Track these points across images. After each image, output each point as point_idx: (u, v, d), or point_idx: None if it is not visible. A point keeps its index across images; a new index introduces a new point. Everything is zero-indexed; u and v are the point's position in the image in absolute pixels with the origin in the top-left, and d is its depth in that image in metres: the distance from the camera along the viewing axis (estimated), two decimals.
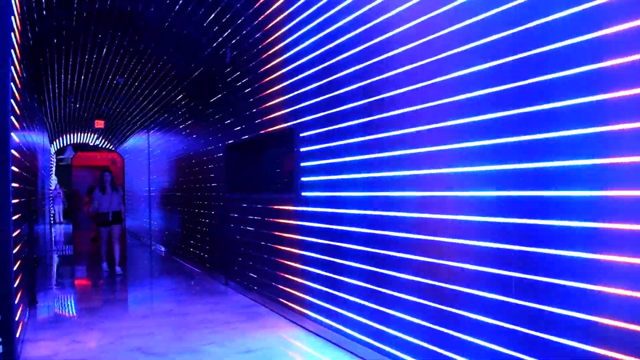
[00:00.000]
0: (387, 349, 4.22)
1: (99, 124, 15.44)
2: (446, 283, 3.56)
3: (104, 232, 9.95)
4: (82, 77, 11.72)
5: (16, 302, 4.74)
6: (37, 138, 10.07)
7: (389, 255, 4.21)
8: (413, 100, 3.89)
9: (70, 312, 6.84)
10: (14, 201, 4.69)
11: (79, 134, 21.69)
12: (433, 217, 3.72)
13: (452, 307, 3.50)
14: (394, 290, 4.14)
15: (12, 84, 4.81)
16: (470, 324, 3.33)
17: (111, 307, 7.09)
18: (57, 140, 22.25)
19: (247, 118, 7.31)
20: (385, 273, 4.25)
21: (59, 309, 7.09)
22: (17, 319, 4.72)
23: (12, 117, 4.79)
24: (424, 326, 3.78)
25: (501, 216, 3.13)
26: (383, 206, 4.29)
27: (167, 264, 11.23)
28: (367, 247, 4.52)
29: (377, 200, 4.37)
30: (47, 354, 5.01)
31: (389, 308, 4.20)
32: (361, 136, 4.59)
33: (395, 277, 4.12)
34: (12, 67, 4.83)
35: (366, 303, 4.52)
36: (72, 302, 7.50)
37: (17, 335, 4.74)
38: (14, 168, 4.76)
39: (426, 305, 3.76)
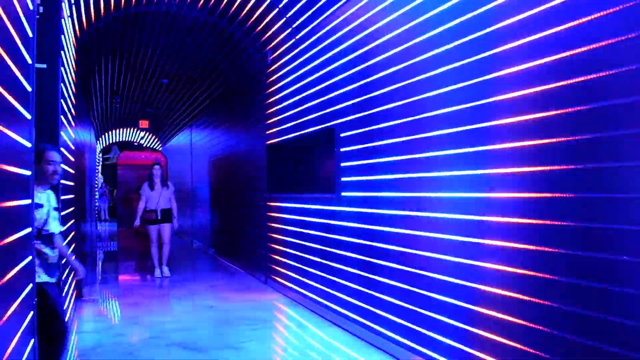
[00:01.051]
0: (422, 349, 4.17)
1: (144, 124, 15.80)
2: (481, 284, 3.50)
3: (152, 231, 9.17)
4: (128, 79, 12.03)
5: (64, 295, 4.89)
6: (85, 137, 10.36)
7: (424, 256, 4.17)
8: (451, 101, 3.85)
9: (114, 306, 7.02)
10: (62, 197, 4.84)
11: (124, 133, 22.25)
12: (473, 219, 3.66)
13: (487, 309, 3.44)
14: (429, 291, 4.09)
15: (62, 84, 4.98)
16: (501, 324, 3.27)
17: (153, 302, 7.23)
18: (103, 139, 22.85)
19: (288, 118, 7.36)
20: (419, 273, 4.20)
21: (103, 303, 7.29)
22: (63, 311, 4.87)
23: (62, 117, 4.95)
24: (459, 327, 3.72)
25: (549, 219, 3.06)
26: (422, 207, 4.25)
27: (208, 262, 11.39)
28: (403, 247, 4.49)
29: (416, 200, 4.33)
30: (92, 345, 5.15)
31: (425, 309, 4.15)
32: (400, 136, 4.56)
33: (429, 277, 4.07)
34: (62, 68, 5.00)
35: (401, 303, 4.48)
36: (116, 296, 7.68)
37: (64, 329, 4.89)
38: (62, 166, 4.91)
39: (462, 307, 3.70)
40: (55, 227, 3.71)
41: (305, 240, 6.69)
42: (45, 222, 3.59)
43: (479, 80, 3.60)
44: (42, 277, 3.54)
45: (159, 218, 9.14)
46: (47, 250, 3.59)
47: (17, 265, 2.49)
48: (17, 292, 2.50)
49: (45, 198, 3.63)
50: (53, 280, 3.67)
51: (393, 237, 4.67)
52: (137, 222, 9.26)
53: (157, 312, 6.63)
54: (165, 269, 9.17)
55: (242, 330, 5.56)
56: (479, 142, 3.60)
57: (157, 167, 9.17)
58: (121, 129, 21.70)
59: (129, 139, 23.40)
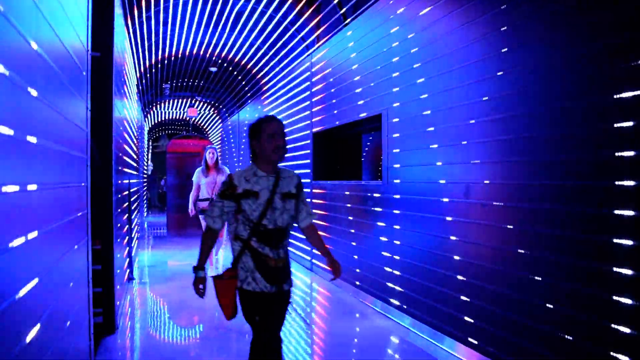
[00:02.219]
0: (473, 340, 4.12)
1: (192, 112, 16.07)
2: (535, 275, 3.41)
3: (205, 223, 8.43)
4: (177, 65, 12.24)
5: (116, 277, 5.05)
6: (136, 126, 10.62)
7: (476, 244, 4.10)
8: (504, 87, 3.75)
9: (164, 289, 7.19)
10: (119, 178, 4.98)
11: (174, 122, 22.69)
12: (518, 206, 3.57)
13: (542, 300, 3.35)
14: (482, 282, 4.02)
15: (115, 71, 5.10)
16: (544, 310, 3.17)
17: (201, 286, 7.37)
18: (152, 127, 23.36)
19: (335, 105, 7.34)
20: (472, 262, 4.14)
21: (153, 285, 7.48)
22: (116, 292, 5.04)
23: (115, 104, 5.08)
24: (518, 322, 3.65)
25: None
26: (475, 193, 4.17)
27: None
28: (453, 235, 4.43)
29: (467, 187, 4.26)
30: (142, 325, 5.30)
31: (473, 299, 4.09)
32: (453, 122, 4.48)
33: (482, 265, 4.01)
34: (115, 56, 5.11)
35: (450, 292, 4.43)
36: (165, 280, 7.88)
37: (116, 307, 5.05)
38: (119, 153, 5.04)
39: (505, 294, 3.63)
40: (285, 220, 2.98)
41: (353, 228, 6.68)
42: (265, 214, 2.88)
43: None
44: (253, 284, 2.95)
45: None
46: (267, 251, 2.92)
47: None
48: None
49: (265, 182, 2.94)
50: (269, 289, 2.96)
51: (447, 226, 4.61)
52: (192, 211, 8.15)
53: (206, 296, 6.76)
54: (221, 267, 8.10)
55: (292, 318, 5.61)
56: (529, 130, 3.51)
57: (210, 150, 8.11)
58: (172, 120, 22.13)
59: (179, 126, 23.84)
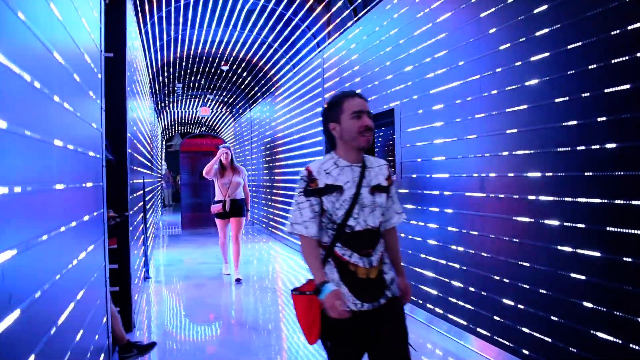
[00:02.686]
0: (497, 338, 4.11)
1: (205, 110, 16.14)
2: (551, 267, 3.39)
3: (220, 226, 7.69)
4: (189, 65, 12.30)
5: (132, 276, 5.10)
6: (150, 125, 10.70)
7: (483, 236, 4.08)
8: (513, 80, 3.72)
9: (179, 288, 7.24)
10: (133, 180, 5.03)
11: (187, 121, 22.81)
12: (534, 199, 3.54)
13: (557, 292, 3.33)
14: (492, 274, 4.01)
15: (128, 71, 5.14)
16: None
17: (216, 284, 7.41)
18: (165, 126, 23.51)
19: None
20: (482, 255, 4.12)
21: (170, 283, 7.53)
22: (133, 291, 5.09)
23: (129, 103, 5.12)
24: (523, 309, 3.63)
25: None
26: (490, 189, 4.15)
27: (267, 245, 11.57)
28: (467, 230, 4.41)
29: (481, 181, 4.24)
30: (159, 324, 5.35)
31: (491, 293, 4.07)
32: (461, 117, 4.46)
33: (487, 257, 3.99)
34: (128, 56, 5.15)
35: (461, 285, 4.41)
36: (180, 278, 7.93)
37: (133, 306, 5.10)
38: (129, 150, 5.09)
39: (522, 287, 3.61)
40: (376, 219, 2.40)
41: None
42: (351, 212, 2.34)
43: (556, 52, 3.47)
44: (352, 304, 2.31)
45: (227, 210, 7.52)
46: (356, 259, 2.33)
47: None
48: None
49: (350, 174, 2.40)
50: (360, 307, 2.33)
51: (459, 221, 4.59)
52: (214, 209, 7.59)
53: (221, 294, 6.80)
54: (237, 274, 7.42)
55: None
56: (542, 121, 3.48)
57: (224, 147, 7.50)
58: (184, 120, 22.26)
59: (191, 125, 23.96)
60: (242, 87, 13.81)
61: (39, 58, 1.63)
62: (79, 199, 2.32)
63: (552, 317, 3.44)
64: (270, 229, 12.95)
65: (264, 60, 10.99)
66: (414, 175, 5.34)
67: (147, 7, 7.43)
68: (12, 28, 1.38)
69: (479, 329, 4.27)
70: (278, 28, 9.25)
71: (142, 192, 7.19)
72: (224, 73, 12.83)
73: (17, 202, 1.42)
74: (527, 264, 3.69)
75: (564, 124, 3.34)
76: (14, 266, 1.38)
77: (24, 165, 1.49)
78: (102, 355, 3.10)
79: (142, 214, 7.03)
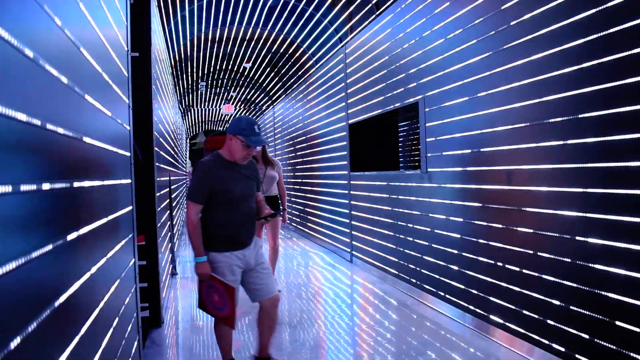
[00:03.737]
0: (512, 325, 4.06)
1: (228, 108, 16.25)
2: (579, 260, 3.33)
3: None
4: (213, 63, 12.39)
5: (160, 272, 5.17)
6: (174, 123, 10.81)
7: (513, 230, 4.04)
8: (542, 69, 3.66)
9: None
10: (159, 179, 5.08)
11: (210, 119, 22.97)
12: (565, 190, 3.49)
13: (593, 287, 3.28)
14: (520, 267, 3.96)
15: (153, 70, 5.20)
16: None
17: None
18: (189, 124, 23.71)
19: (370, 96, 7.31)
20: (513, 249, 4.07)
21: (195, 279, 7.61)
22: (161, 287, 5.15)
23: (154, 102, 5.18)
24: (552, 303, 3.58)
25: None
26: (517, 182, 4.10)
27: (291, 241, 11.62)
28: (491, 222, 4.36)
29: (508, 174, 4.19)
30: (187, 319, 5.41)
31: (523, 288, 4.03)
32: (488, 108, 4.41)
33: (520, 252, 3.94)
34: (153, 56, 5.21)
35: (494, 281, 4.37)
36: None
37: (162, 301, 5.17)
38: (156, 148, 5.14)
39: (553, 281, 3.56)
40: None
41: (391, 218, 6.66)
42: None
43: (574, 45, 3.41)
44: None
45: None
46: None
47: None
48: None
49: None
50: None
51: (484, 213, 4.55)
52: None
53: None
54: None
55: (332, 308, 5.64)
56: (569, 112, 3.42)
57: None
58: (208, 118, 22.42)
59: (214, 123, 24.13)
60: (265, 84, 13.86)
61: (71, 58, 1.66)
62: (110, 196, 2.36)
63: (587, 312, 3.40)
64: (294, 224, 13.00)
65: (286, 56, 11.01)
66: (436, 169, 5.30)
67: (170, 6, 7.50)
68: (47, 29, 1.41)
69: (511, 325, 4.23)
70: (300, 24, 9.25)
71: (168, 189, 7.28)
72: (247, 70, 12.89)
73: (50, 198, 1.45)
74: (562, 258, 3.64)
75: (583, 115, 3.28)
76: (49, 262, 1.41)
77: (57, 162, 1.52)
78: (133, 350, 3.15)
79: (168, 211, 7.12)
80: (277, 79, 12.81)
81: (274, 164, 6.52)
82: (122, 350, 2.63)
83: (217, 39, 10.33)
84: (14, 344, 1.10)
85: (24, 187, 1.20)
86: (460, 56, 4.84)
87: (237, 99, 16.82)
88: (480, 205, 4.58)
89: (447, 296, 5.19)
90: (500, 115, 4.25)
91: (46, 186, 1.38)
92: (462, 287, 4.91)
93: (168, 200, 7.17)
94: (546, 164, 3.73)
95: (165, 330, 5.02)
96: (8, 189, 1.10)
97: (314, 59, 10.24)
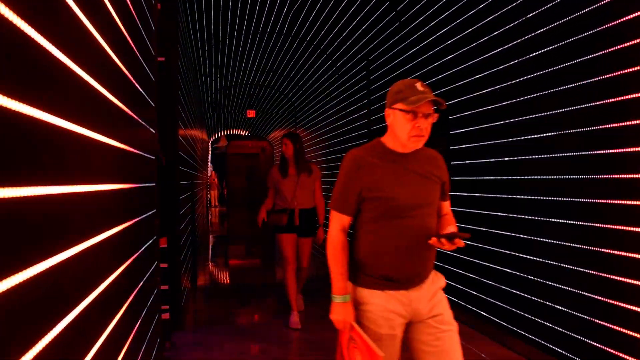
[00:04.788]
0: (533, 337, 4.00)
1: (251, 113, 16.33)
2: (595, 270, 3.27)
3: (285, 244, 5.33)
4: (236, 71, 12.48)
5: (182, 275, 5.20)
6: (198, 128, 10.91)
7: (531, 240, 3.99)
8: (564, 80, 3.62)
9: (226, 287, 7.35)
10: (182, 181, 5.13)
11: (232, 124, 23.15)
12: (586, 201, 3.44)
13: (601, 295, 3.22)
14: (550, 281, 3.91)
15: (179, 92, 5.26)
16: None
17: (263, 284, 7.49)
18: (213, 129, 23.91)
19: None
20: (532, 259, 4.02)
21: (217, 283, 7.66)
22: (182, 290, 5.19)
23: (179, 106, 5.24)
24: (575, 315, 3.52)
25: None
26: (540, 192, 4.05)
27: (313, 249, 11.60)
28: (513, 233, 4.32)
29: (530, 184, 4.14)
30: (207, 322, 5.44)
31: (529, 294, 3.98)
32: (509, 118, 4.37)
33: (533, 260, 3.89)
34: (179, 76, 5.27)
35: (512, 290, 4.32)
36: (227, 278, 8.05)
37: (182, 304, 5.21)
38: (181, 152, 5.19)
39: (571, 291, 3.50)
40: None
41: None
42: None
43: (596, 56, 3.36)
44: None
45: (297, 224, 5.32)
46: None
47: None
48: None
49: None
50: None
51: (507, 223, 4.51)
52: (262, 220, 5.52)
53: (268, 294, 6.86)
54: (299, 299, 5.76)
55: None
56: (591, 123, 3.37)
57: (289, 140, 5.32)
58: (231, 123, 22.59)
59: (237, 128, 24.30)
60: (286, 91, 13.93)
61: (102, 63, 1.69)
62: (137, 199, 2.39)
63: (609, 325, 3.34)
64: None
65: (308, 63, 11.05)
66: (463, 178, 5.27)
67: (196, 11, 7.59)
68: (81, 37, 1.44)
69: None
70: (322, 33, 9.28)
71: (190, 192, 7.34)
72: (268, 80, 12.99)
73: (79, 201, 1.47)
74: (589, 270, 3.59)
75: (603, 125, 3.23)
76: (75, 264, 1.43)
77: (86, 165, 1.55)
78: (155, 352, 3.17)
79: (190, 215, 7.18)
80: (300, 84, 12.86)
81: (310, 169, 5.34)
82: (144, 352, 2.65)
83: (241, 45, 10.41)
84: (42, 344, 1.11)
85: (57, 190, 1.22)
86: (482, 65, 4.82)
87: (260, 105, 16.92)
88: (505, 215, 4.54)
89: (469, 305, 5.14)
90: (516, 125, 4.21)
91: (77, 188, 1.41)
92: (475, 293, 4.86)
93: (190, 204, 7.23)
94: (564, 174, 3.68)
95: (186, 333, 5.05)
96: (45, 190, 1.12)
97: (337, 65, 10.25)
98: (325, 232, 4.42)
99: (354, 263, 2.34)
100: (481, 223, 4.90)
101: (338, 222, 2.33)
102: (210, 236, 14.19)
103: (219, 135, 27.66)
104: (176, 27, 5.08)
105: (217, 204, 26.30)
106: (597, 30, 3.43)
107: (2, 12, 0.86)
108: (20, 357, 0.96)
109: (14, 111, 0.93)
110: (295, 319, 5.24)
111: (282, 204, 5.36)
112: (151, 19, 3.15)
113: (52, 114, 1.16)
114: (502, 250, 4.55)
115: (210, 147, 27.53)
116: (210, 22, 8.64)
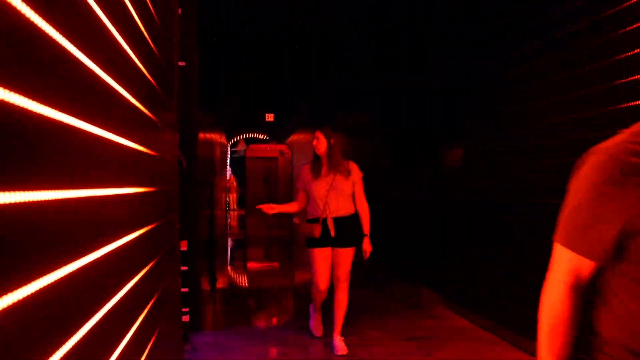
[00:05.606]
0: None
1: (269, 117, 16.40)
2: None
3: (317, 260, 4.49)
4: (253, 72, 12.54)
5: (201, 278, 5.24)
6: (216, 131, 10.98)
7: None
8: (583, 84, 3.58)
9: (245, 290, 7.38)
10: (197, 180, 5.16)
11: (250, 127, 23.25)
12: None
13: None
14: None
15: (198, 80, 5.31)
16: None
17: (281, 288, 7.52)
18: (231, 133, 24.04)
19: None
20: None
21: (235, 286, 7.70)
22: (202, 292, 5.23)
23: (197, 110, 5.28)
24: None
25: None
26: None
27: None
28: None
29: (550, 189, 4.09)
30: (227, 325, 5.47)
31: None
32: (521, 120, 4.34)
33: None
34: (199, 80, 5.31)
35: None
36: (246, 281, 8.08)
37: (201, 306, 5.24)
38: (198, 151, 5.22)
39: None
40: None
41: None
42: None
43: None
44: None
45: (333, 236, 4.42)
46: None
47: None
48: None
49: None
50: None
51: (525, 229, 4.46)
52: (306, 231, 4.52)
53: (286, 297, 6.88)
54: (339, 341, 4.50)
55: (365, 320, 5.62)
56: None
57: (322, 133, 4.45)
58: (248, 127, 22.69)
59: (255, 132, 24.41)
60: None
61: (126, 69, 1.72)
62: (158, 202, 2.41)
63: None
64: None
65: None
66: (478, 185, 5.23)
67: (215, 14, 7.65)
68: (108, 44, 1.46)
69: None
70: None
71: (209, 195, 7.39)
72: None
73: (103, 204, 1.50)
74: None
75: None
76: (97, 267, 1.45)
77: (109, 168, 1.57)
78: (175, 354, 3.20)
79: (209, 218, 7.23)
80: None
81: (347, 168, 4.43)
82: (165, 354, 2.68)
83: (259, 51, 10.47)
84: (70, 345, 1.13)
85: (82, 193, 1.25)
86: (499, 67, 4.79)
87: (278, 108, 16.96)
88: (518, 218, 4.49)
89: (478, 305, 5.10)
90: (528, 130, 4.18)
91: (101, 192, 1.43)
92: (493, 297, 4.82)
93: (209, 207, 7.28)
94: None
95: (205, 335, 5.08)
96: (74, 194, 1.15)
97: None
98: (376, 245, 4.34)
99: (594, 344, 1.30)
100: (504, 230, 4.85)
101: (568, 268, 1.29)
102: (229, 239, 14.26)
103: (238, 138, 27.79)
104: (197, 31, 5.13)
105: (235, 207, 26.43)
106: None
107: (41, 27, 0.88)
108: (53, 353, 0.98)
109: (69, 125, 0.97)
110: (313, 325, 4.92)
111: (313, 212, 4.49)
112: (173, 24, 3.19)
113: (86, 122, 1.18)
114: None
115: (228, 150, 27.70)
116: (231, 25, 8.70)
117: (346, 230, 4.45)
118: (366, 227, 4.54)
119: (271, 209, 4.50)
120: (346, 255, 4.47)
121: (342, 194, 4.41)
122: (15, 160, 0.77)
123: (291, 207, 4.76)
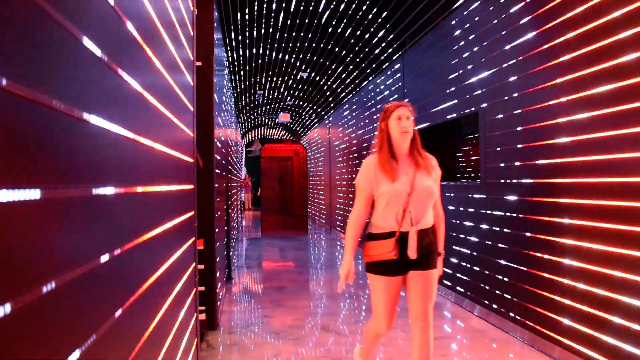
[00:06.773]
0: (585, 350, 3.92)
1: (284, 116, 16.46)
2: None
3: (384, 290, 3.17)
4: (270, 73, 12.59)
5: (217, 277, 5.28)
6: (232, 131, 11.04)
7: (569, 245, 3.90)
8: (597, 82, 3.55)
9: (260, 290, 7.41)
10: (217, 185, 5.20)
11: (265, 127, 23.33)
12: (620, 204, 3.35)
13: None
14: (594, 287, 3.82)
15: (215, 95, 5.34)
16: None
17: (296, 287, 7.54)
18: (246, 134, 24.15)
19: (427, 105, 7.25)
20: (569, 263, 3.94)
21: (251, 286, 7.73)
22: (217, 291, 5.26)
23: (215, 110, 5.31)
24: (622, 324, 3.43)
25: None
26: (581, 194, 3.97)
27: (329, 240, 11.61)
28: (548, 236, 4.24)
29: (561, 187, 4.07)
30: (242, 324, 5.49)
31: (561, 297, 3.89)
32: (550, 120, 4.30)
33: (571, 266, 3.81)
34: (215, 80, 5.34)
35: (555, 297, 4.24)
36: (261, 280, 8.11)
37: (217, 305, 5.28)
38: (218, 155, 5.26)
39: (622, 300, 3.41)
40: None
41: (452, 231, 6.57)
42: None
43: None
44: None
45: (414, 256, 3.15)
46: None
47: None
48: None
49: None
50: None
51: (551, 228, 4.43)
52: (348, 277, 3.21)
53: (301, 296, 6.90)
54: None
55: None
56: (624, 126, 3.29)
57: (405, 110, 3.28)
58: (264, 126, 22.79)
59: (269, 132, 24.49)
60: (321, 93, 13.98)
61: (147, 69, 1.74)
62: (177, 201, 2.44)
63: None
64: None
65: (343, 65, 11.08)
66: (496, 181, 5.20)
67: (231, 15, 7.70)
68: (129, 45, 1.49)
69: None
70: (357, 34, 9.28)
71: (226, 195, 7.43)
72: (304, 79, 13.04)
73: (127, 201, 1.52)
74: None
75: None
76: (119, 263, 1.48)
77: (132, 167, 1.60)
78: (192, 352, 3.23)
79: (225, 217, 7.26)
80: (334, 87, 12.89)
81: (429, 164, 3.30)
82: (182, 351, 2.71)
83: (275, 49, 10.51)
84: (90, 342, 1.16)
85: (102, 191, 1.27)
86: (516, 68, 4.76)
87: (294, 107, 17.02)
88: (542, 218, 4.46)
89: (511, 314, 5.07)
90: (555, 127, 4.14)
91: (122, 190, 1.45)
92: (509, 297, 4.79)
93: (226, 206, 7.32)
94: (608, 176, 3.60)
95: (221, 333, 5.11)
96: (99, 191, 1.17)
97: (372, 67, 10.24)
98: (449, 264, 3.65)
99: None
100: (521, 227, 4.83)
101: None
102: (244, 238, 14.32)
103: (253, 138, 27.92)
104: (213, 32, 5.16)
105: (250, 206, 26.52)
106: None
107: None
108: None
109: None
110: None
111: (385, 224, 3.17)
112: (189, 25, 3.21)
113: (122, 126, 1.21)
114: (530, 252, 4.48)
115: (244, 150, 27.82)
116: (245, 25, 8.75)
117: (431, 247, 3.22)
118: (441, 243, 3.37)
119: (350, 274, 3.22)
120: (432, 280, 3.22)
121: (428, 197, 3.18)
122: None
123: (356, 235, 3.27)
